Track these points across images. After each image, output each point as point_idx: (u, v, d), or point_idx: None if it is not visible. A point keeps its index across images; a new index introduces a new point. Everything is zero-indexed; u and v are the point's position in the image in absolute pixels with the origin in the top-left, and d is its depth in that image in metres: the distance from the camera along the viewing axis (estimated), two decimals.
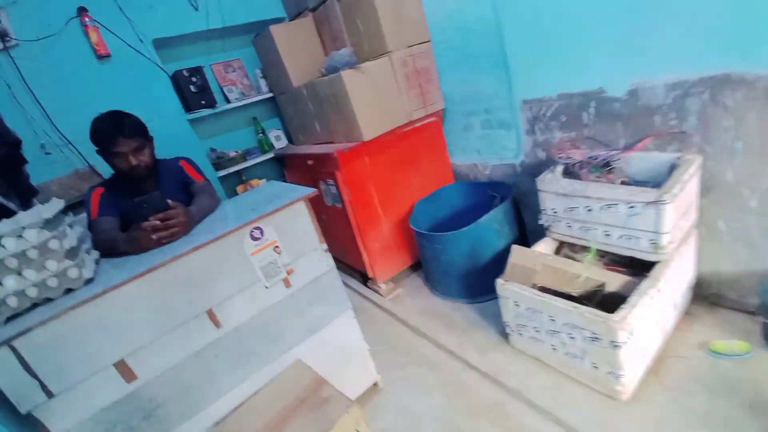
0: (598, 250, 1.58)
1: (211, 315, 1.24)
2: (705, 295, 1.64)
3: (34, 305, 1.04)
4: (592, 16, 1.56)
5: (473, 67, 2.13)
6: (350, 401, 1.21)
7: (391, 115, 2.21)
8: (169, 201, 1.25)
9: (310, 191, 1.37)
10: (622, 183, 1.53)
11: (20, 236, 1.00)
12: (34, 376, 1.00)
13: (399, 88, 2.19)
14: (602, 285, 1.45)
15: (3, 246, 0.98)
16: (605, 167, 1.63)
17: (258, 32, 2.63)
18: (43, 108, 2.00)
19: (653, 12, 1.40)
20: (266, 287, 1.33)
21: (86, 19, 2.06)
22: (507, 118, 2.11)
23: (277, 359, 1.40)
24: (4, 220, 1.07)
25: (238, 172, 2.75)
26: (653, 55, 1.45)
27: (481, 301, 2.04)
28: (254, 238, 1.28)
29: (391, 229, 2.33)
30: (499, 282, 1.57)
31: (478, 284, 2.01)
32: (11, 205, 1.35)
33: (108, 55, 2.17)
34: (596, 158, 1.63)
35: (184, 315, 1.19)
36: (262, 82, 2.81)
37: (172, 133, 2.37)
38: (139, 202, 1.20)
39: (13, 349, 0.96)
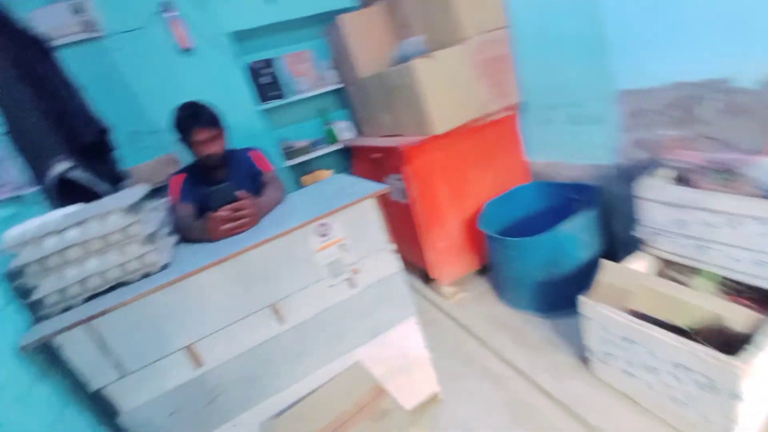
0: (716, 275, 1.31)
1: (275, 309, 1.22)
2: None
3: (113, 287, 1.08)
4: None
5: (559, 53, 1.89)
6: (411, 417, 1.12)
7: (463, 107, 2.05)
8: (238, 192, 1.25)
9: (381, 188, 1.29)
10: (751, 194, 1.25)
11: (105, 220, 1.04)
12: (109, 355, 1.04)
13: (473, 78, 2.03)
14: (720, 319, 1.20)
15: (88, 229, 1.02)
16: (729, 174, 1.35)
17: (329, 22, 2.60)
18: (133, 97, 2.15)
19: None
20: (330, 286, 1.28)
21: (170, 13, 2.17)
22: (599, 112, 1.85)
23: (337, 359, 1.35)
24: (91, 204, 1.12)
25: (305, 162, 2.77)
26: None
27: (557, 316, 1.83)
28: (320, 235, 1.23)
29: (458, 229, 2.19)
30: (584, 300, 1.38)
31: (555, 297, 1.81)
32: (101, 189, 1.43)
33: (189, 48, 2.26)
34: (718, 162, 1.35)
35: (250, 307, 1.18)
36: (332, 73, 2.79)
37: (246, 123, 2.44)
38: (211, 192, 1.21)
39: (91, 329, 1.00)
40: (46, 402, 0.96)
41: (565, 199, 2.05)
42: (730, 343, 1.08)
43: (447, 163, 2.08)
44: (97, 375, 1.03)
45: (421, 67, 1.89)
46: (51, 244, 0.98)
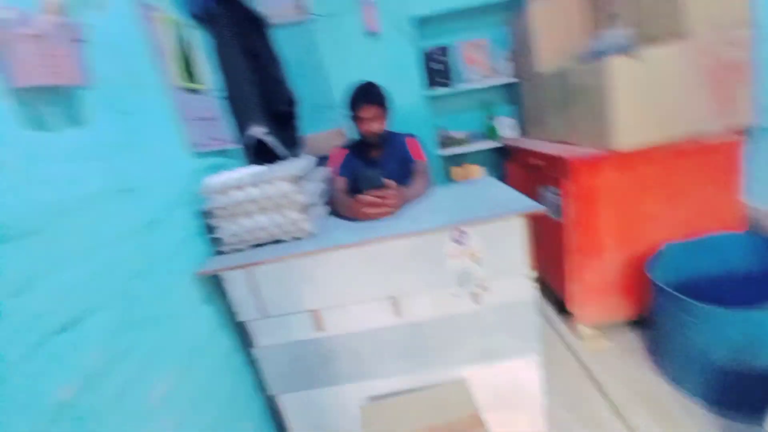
0: None
1: (395, 301, 1.22)
2: None
3: (270, 243, 1.23)
4: None
5: None
6: None
7: (665, 122, 1.64)
8: (386, 181, 1.27)
9: (536, 208, 1.13)
10: None
11: (276, 185, 1.18)
12: (257, 297, 1.20)
13: (690, 87, 1.59)
14: None
15: (264, 190, 1.18)
16: None
17: (515, 9, 2.39)
18: (324, 74, 2.41)
19: None
20: (453, 295, 1.21)
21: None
22: None
23: (442, 369, 1.30)
24: (270, 168, 1.29)
25: (458, 154, 2.69)
26: None
27: (734, 417, 1.37)
28: (456, 242, 1.16)
29: (618, 266, 1.81)
30: None
31: (739, 394, 1.35)
32: (281, 153, 1.65)
33: (376, 32, 2.38)
34: None
35: (373, 293, 1.21)
36: (507, 65, 2.59)
37: (410, 107, 2.48)
38: (362, 176, 1.26)
39: (249, 273, 1.17)
40: (206, 320, 1.18)
41: None
42: None
43: (622, 187, 1.71)
44: (245, 310, 1.22)
45: (618, 67, 1.57)
46: (236, 196, 1.17)
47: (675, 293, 1.44)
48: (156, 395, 0.90)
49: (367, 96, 1.51)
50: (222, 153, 1.49)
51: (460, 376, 1.29)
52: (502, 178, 2.44)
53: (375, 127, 1.54)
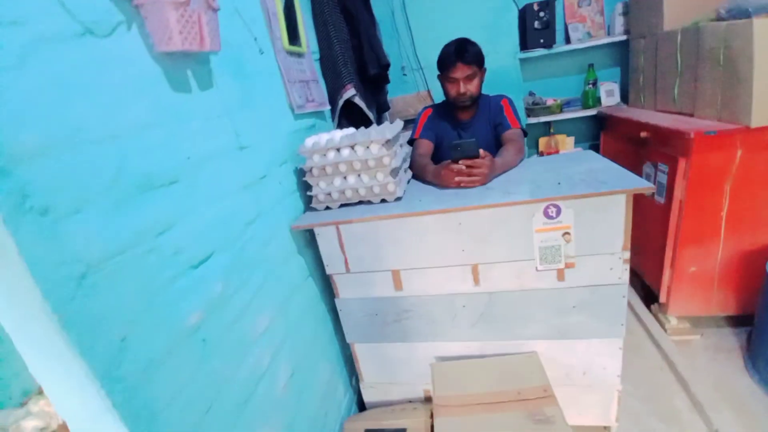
0: None
1: (474, 270, 1.21)
2: None
3: (359, 203, 1.27)
4: None
5: None
6: None
7: None
8: (481, 150, 1.21)
9: (645, 185, 1.01)
10: None
11: (368, 147, 1.20)
12: (344, 252, 1.27)
13: None
14: None
15: (356, 151, 1.21)
16: None
17: None
18: (412, 36, 2.31)
19: None
20: (537, 269, 1.16)
21: None
22: None
23: (515, 341, 1.28)
24: (362, 130, 1.30)
25: (547, 122, 2.47)
26: None
27: None
28: (547, 216, 1.09)
29: (728, 257, 1.58)
30: None
31: None
32: (370, 115, 1.66)
33: None
34: None
35: (453, 259, 1.21)
36: (619, 21, 2.24)
37: (501, 69, 2.30)
38: (455, 144, 1.21)
39: (338, 229, 1.24)
40: (298, 269, 1.29)
41: None
42: None
43: (752, 169, 1.45)
44: (332, 264, 1.30)
45: (764, 28, 1.27)
46: (330, 156, 1.22)
47: None
48: (259, 327, 1.03)
49: (462, 54, 1.38)
50: (317, 114, 1.54)
51: (532, 349, 1.27)
52: (596, 150, 2.20)
53: (468, 88, 1.42)
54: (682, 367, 1.55)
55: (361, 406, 1.54)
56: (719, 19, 1.51)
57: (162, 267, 0.74)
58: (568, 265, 1.15)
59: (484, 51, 1.46)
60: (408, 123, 2.21)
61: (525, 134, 1.52)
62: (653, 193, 1.70)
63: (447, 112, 1.56)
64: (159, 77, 0.79)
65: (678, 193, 1.55)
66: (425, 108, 1.64)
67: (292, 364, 1.17)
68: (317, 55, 1.58)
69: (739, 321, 1.68)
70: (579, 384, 1.28)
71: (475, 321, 1.28)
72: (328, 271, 1.32)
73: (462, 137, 1.49)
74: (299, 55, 1.42)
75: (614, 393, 1.28)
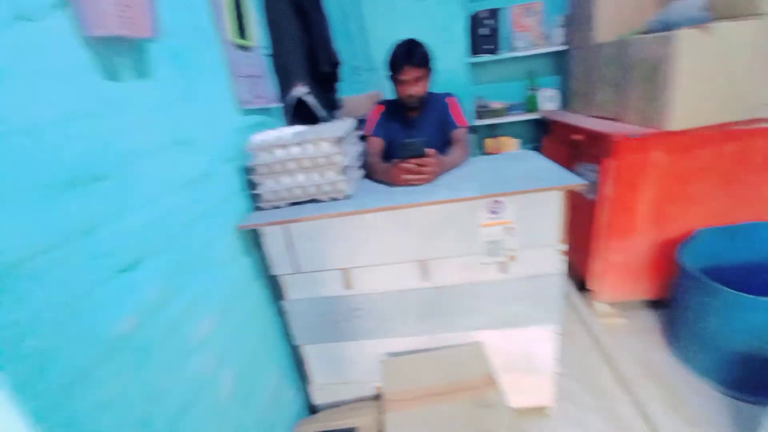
0: None
1: (423, 266, 1.23)
2: None
3: (308, 201, 1.25)
4: None
5: None
6: (512, 418, 1.05)
7: (727, 104, 1.50)
8: (427, 150, 1.23)
9: (575, 182, 1.09)
10: None
11: (318, 145, 1.18)
12: (291, 253, 1.24)
13: (759, 67, 1.42)
14: None
15: (305, 149, 1.18)
16: None
17: None
18: (366, 37, 2.30)
19: None
20: (482, 263, 1.21)
21: None
22: None
23: (462, 332, 1.32)
24: (312, 128, 1.28)
25: (493, 125, 2.58)
26: None
27: (745, 400, 1.35)
28: (491, 211, 1.14)
29: (646, 247, 1.74)
30: None
31: (755, 378, 1.32)
32: (322, 113, 1.63)
33: None
34: None
35: (403, 256, 1.22)
36: (559, 32, 2.38)
37: (451, 74, 2.36)
38: (403, 144, 1.22)
39: (286, 229, 1.20)
40: (244, 271, 1.23)
41: None
42: None
43: (667, 169, 1.61)
44: (279, 264, 1.26)
45: (687, 40, 1.41)
46: (279, 154, 1.18)
47: (702, 277, 1.39)
48: (201, 333, 0.97)
49: (410, 56, 1.39)
50: (265, 111, 1.48)
51: (478, 339, 1.32)
52: (539, 152, 2.33)
53: (416, 90, 1.43)
54: (609, 347, 1.69)
55: (313, 409, 1.51)
56: (648, 32, 1.65)
57: (87, 271, 0.67)
58: (510, 258, 1.20)
59: (436, 54, 1.48)
60: (361, 123, 2.21)
61: (472, 131, 1.57)
62: (586, 191, 1.83)
63: (397, 110, 1.57)
64: (89, 64, 0.72)
65: (605, 190, 1.68)
66: (377, 103, 1.62)
67: (237, 370, 1.11)
68: (267, 51, 1.53)
69: (659, 304, 1.86)
70: (521, 369, 1.35)
71: (424, 315, 1.30)
72: (275, 271, 1.27)
73: (411, 136, 1.52)
74: (247, 49, 1.36)
75: (551, 375, 1.36)
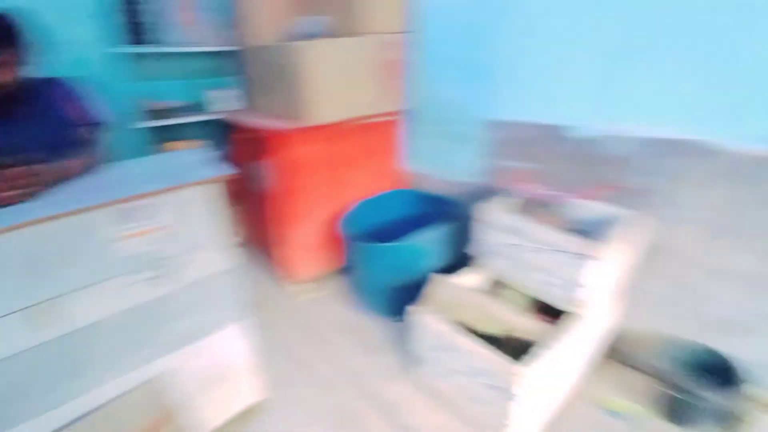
0: (526, 294, 1.44)
1: (41, 310, 0.89)
2: (617, 353, 1.54)
3: None
4: (578, 47, 1.39)
5: (448, 70, 1.91)
6: None
7: (350, 103, 1.90)
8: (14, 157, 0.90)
9: (217, 174, 1.06)
10: (566, 229, 1.36)
11: None
12: None
13: (367, 75, 1.90)
14: (517, 330, 1.32)
15: None
16: (550, 208, 1.47)
17: None
18: None
19: (639, 57, 1.24)
20: (130, 284, 1.00)
21: None
22: (469, 134, 1.90)
23: (133, 372, 1.06)
24: None
25: (173, 127, 2.32)
26: (631, 104, 1.32)
27: (401, 320, 1.84)
28: (127, 221, 0.95)
29: (319, 226, 2.03)
30: (411, 309, 1.40)
31: (402, 303, 1.80)
32: None
33: None
34: (545, 197, 1.47)
35: (18, 302, 0.86)
36: (231, 32, 2.35)
37: (89, 63, 1.91)
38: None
39: None
40: None
41: (432, 209, 2.06)
42: (527, 351, 1.18)
43: (319, 158, 1.90)
44: None
45: (311, 50, 1.67)
46: None
47: (353, 240, 1.76)
48: None
49: None
50: None
51: (160, 369, 1.11)
52: (226, 152, 2.28)
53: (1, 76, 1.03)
54: (306, 321, 1.89)
55: None
56: (287, 39, 1.84)
57: None
58: (167, 268, 1.06)
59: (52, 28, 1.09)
60: None
61: (103, 128, 1.27)
62: (260, 186, 1.93)
63: None
64: None
65: (272, 182, 1.83)
66: None
67: None
68: None
69: (345, 270, 2.22)
70: (218, 379, 1.25)
71: (73, 371, 0.96)
72: None
73: (6, 135, 1.09)
74: None
75: (252, 370, 1.34)
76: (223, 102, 2.47)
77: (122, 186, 1.01)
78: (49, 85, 1.19)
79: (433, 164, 2.14)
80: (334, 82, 1.80)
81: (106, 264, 0.96)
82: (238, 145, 2.27)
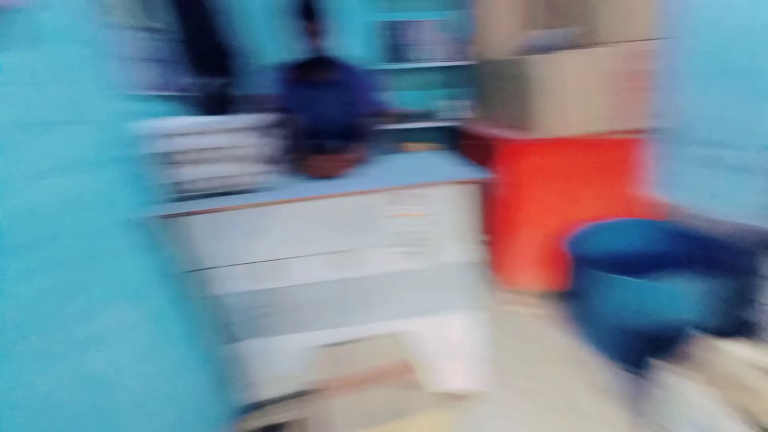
0: None
1: (337, 257, 1.21)
2: None
3: (217, 194, 1.15)
4: None
5: (723, 83, 1.52)
6: (431, 400, 1.09)
7: (588, 117, 1.75)
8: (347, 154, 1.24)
9: (474, 176, 1.17)
10: None
11: (225, 135, 1.09)
12: (196, 247, 1.14)
13: (607, 88, 1.71)
14: None
15: (209, 139, 1.08)
16: None
17: None
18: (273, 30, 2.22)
19: None
20: (400, 253, 1.23)
21: None
22: (754, 163, 1.45)
23: (380, 323, 1.32)
24: (224, 117, 1.19)
25: (410, 131, 2.68)
26: None
27: (629, 369, 1.55)
28: (404, 204, 1.17)
29: (547, 242, 1.93)
30: (665, 367, 1.15)
31: (646, 352, 1.52)
32: (234, 105, 1.51)
33: None
34: None
35: (314, 248, 1.19)
36: (467, 48, 2.56)
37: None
38: (325, 145, 1.23)
39: (190, 222, 1.10)
40: (144, 270, 1.07)
41: (681, 249, 1.68)
42: None
43: (550, 171, 1.82)
44: (200, 258, 1.16)
45: (549, 63, 1.64)
46: (181, 143, 1.07)
47: (585, 265, 1.59)
48: (89, 336, 0.83)
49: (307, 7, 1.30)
50: (167, 98, 1.34)
51: (397, 329, 1.33)
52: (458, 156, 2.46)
53: (316, 41, 1.31)
54: (527, 334, 1.82)
55: (243, 409, 1.39)
56: (525, 52, 1.85)
57: None
58: (424, 248, 1.24)
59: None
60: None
61: (388, 120, 1.52)
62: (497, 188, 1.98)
63: (304, 72, 1.39)
64: None
65: (501, 188, 1.85)
66: (278, 70, 1.43)
67: (148, 371, 1.00)
68: (174, 36, 1.38)
69: (569, 296, 1.97)
70: (446, 355, 1.38)
71: (341, 308, 1.28)
72: (196, 265, 1.15)
73: (319, 100, 1.41)
74: (148, 30, 1.22)
75: (476, 361, 1.42)
76: (454, 111, 2.68)
77: (401, 175, 1.23)
78: (351, 71, 1.44)
79: (697, 196, 1.73)
80: (572, 95, 1.69)
81: (387, 234, 1.20)
82: (468, 150, 2.43)
